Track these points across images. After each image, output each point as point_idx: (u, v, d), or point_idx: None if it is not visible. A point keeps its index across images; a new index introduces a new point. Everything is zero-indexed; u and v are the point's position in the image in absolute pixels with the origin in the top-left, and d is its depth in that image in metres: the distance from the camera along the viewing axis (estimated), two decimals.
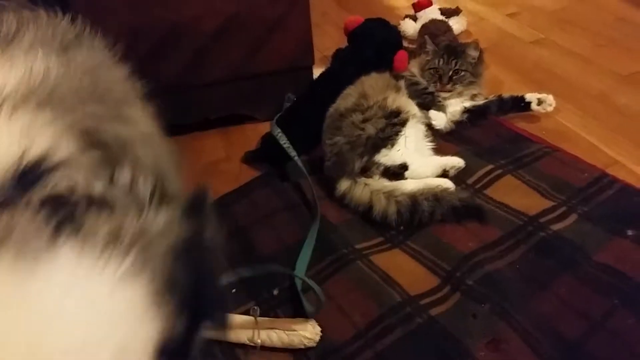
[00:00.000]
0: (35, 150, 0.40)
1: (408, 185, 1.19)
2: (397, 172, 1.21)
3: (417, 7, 1.89)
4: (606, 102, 1.49)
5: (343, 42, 1.67)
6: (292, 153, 1.29)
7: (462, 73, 1.41)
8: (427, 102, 1.37)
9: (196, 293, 0.40)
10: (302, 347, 0.94)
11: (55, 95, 0.48)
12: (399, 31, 1.75)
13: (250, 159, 1.42)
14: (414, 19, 1.90)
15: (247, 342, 0.95)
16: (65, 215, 0.37)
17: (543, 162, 1.26)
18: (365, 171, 1.22)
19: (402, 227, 1.14)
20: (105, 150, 0.47)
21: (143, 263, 0.37)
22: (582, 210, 1.12)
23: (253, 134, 1.52)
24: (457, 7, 1.94)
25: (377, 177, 1.22)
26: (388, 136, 1.21)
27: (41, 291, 0.34)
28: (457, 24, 1.85)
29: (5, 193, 0.37)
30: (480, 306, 0.95)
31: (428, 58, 1.47)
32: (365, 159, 1.21)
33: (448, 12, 1.90)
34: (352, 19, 1.65)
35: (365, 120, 1.25)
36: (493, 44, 1.84)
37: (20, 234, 0.35)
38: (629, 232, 1.05)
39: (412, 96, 1.37)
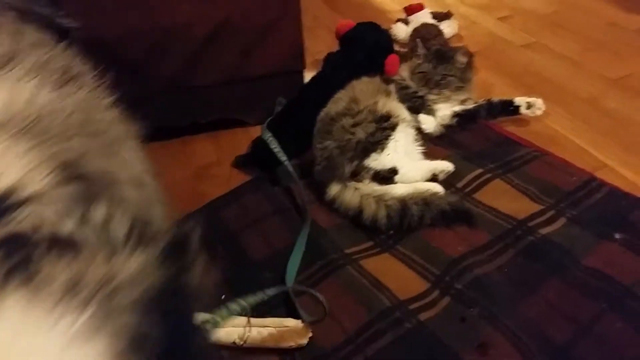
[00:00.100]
0: (3, 182, 0.37)
1: (398, 189, 1.19)
2: (387, 176, 1.21)
3: (409, 11, 1.89)
4: (595, 105, 1.50)
5: (335, 46, 1.67)
6: (283, 157, 1.28)
7: (450, 78, 1.42)
8: (417, 106, 1.37)
9: (170, 353, 0.35)
10: (293, 344, 0.94)
11: (38, 125, 0.45)
12: (391, 35, 1.75)
13: (240, 163, 1.42)
14: (406, 22, 1.90)
15: (238, 340, 0.94)
16: (21, 258, 0.33)
17: (532, 165, 1.26)
18: (355, 175, 1.22)
19: (391, 232, 1.14)
20: (86, 185, 0.44)
21: (105, 317, 0.33)
22: (570, 214, 1.12)
23: (244, 138, 1.52)
24: (449, 11, 1.95)
25: (367, 181, 1.22)
26: (378, 140, 1.22)
27: None
28: (448, 28, 1.85)
29: None
30: (469, 310, 0.95)
31: (419, 62, 1.48)
32: (355, 163, 1.21)
33: (439, 16, 1.90)
34: (344, 23, 1.65)
35: (355, 125, 1.25)
36: (484, 48, 1.85)
37: None
38: (617, 236, 1.05)
39: (402, 100, 1.37)
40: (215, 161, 1.47)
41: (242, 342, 0.94)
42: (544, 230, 1.08)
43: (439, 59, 1.44)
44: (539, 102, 1.41)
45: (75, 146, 0.47)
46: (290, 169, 1.26)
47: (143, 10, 1.31)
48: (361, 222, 1.16)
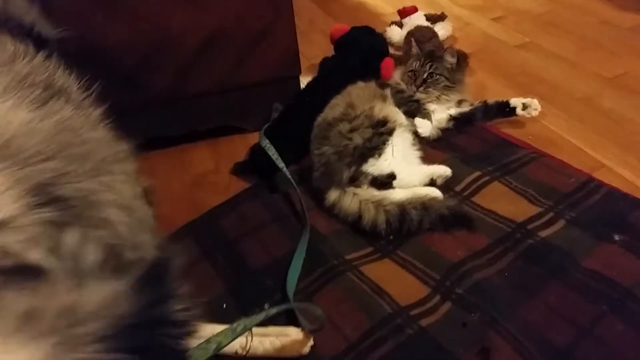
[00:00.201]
0: None
1: (397, 194, 1.19)
2: (385, 181, 1.21)
3: (403, 14, 1.90)
4: (591, 105, 1.51)
5: (330, 50, 1.67)
6: (281, 164, 1.28)
7: (437, 77, 1.42)
8: (413, 109, 1.38)
9: None
10: (295, 353, 0.94)
11: (10, 147, 0.43)
12: (385, 38, 1.75)
13: (239, 170, 1.42)
14: (400, 25, 1.91)
15: (240, 350, 0.94)
16: None
17: (530, 167, 1.26)
18: (354, 181, 1.22)
19: (391, 237, 1.14)
20: (61, 209, 0.42)
21: (66, 348, 0.31)
22: (569, 215, 1.12)
23: (242, 145, 1.52)
24: (443, 13, 1.95)
25: (365, 186, 1.22)
26: (375, 146, 1.22)
27: None
28: (442, 30, 1.86)
29: None
30: (470, 315, 0.96)
31: (411, 61, 1.49)
32: (353, 168, 1.21)
33: (433, 18, 1.91)
34: (338, 27, 1.66)
35: (352, 130, 1.25)
36: (479, 49, 1.85)
37: None
38: (617, 237, 1.05)
39: (398, 104, 1.37)
40: (214, 169, 1.47)
41: (244, 353, 0.94)
42: (543, 233, 1.09)
43: (427, 58, 1.45)
44: (534, 103, 1.42)
45: (52, 167, 0.45)
46: (289, 175, 1.26)
47: (136, 19, 1.31)
48: (361, 227, 1.16)
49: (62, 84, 0.59)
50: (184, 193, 1.39)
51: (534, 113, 1.42)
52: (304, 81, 1.57)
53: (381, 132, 1.24)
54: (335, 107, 1.34)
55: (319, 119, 1.35)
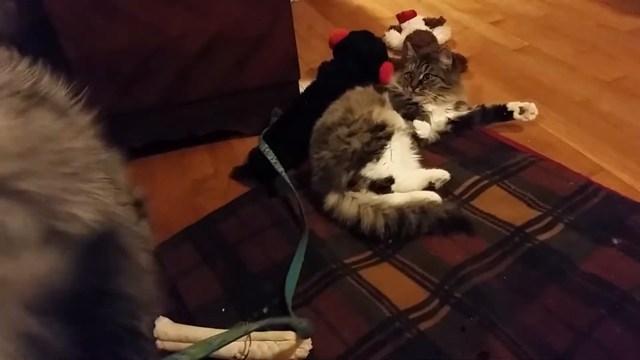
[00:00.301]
0: None
1: (395, 198, 1.19)
2: (384, 185, 1.21)
3: (402, 18, 1.90)
4: (590, 108, 1.51)
5: (329, 55, 1.68)
6: (280, 169, 1.29)
7: (432, 78, 1.43)
8: (412, 112, 1.38)
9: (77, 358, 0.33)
10: (294, 357, 0.94)
11: None
12: (384, 43, 1.76)
13: (238, 174, 1.43)
14: (399, 30, 1.91)
15: (239, 354, 0.94)
16: None
17: (528, 171, 1.26)
18: (353, 185, 1.22)
19: (390, 240, 1.14)
20: (22, 199, 0.41)
21: None
22: (568, 219, 1.12)
23: (240, 149, 1.52)
24: (441, 17, 1.96)
25: (364, 190, 1.22)
26: (373, 150, 1.22)
27: None
28: (441, 34, 1.86)
29: None
30: (469, 319, 0.95)
31: (407, 64, 1.50)
32: (351, 173, 1.22)
33: (432, 22, 1.91)
34: (337, 32, 1.66)
35: (351, 134, 1.25)
36: (477, 53, 1.86)
37: None
38: (615, 241, 1.05)
39: (396, 107, 1.37)
40: (213, 173, 1.47)
41: (242, 357, 0.94)
42: (542, 237, 1.09)
43: (424, 60, 1.46)
44: (532, 107, 1.42)
45: (17, 166, 0.44)
46: (288, 180, 1.26)
47: (135, 24, 1.31)
48: (359, 231, 1.16)
49: (47, 91, 0.58)
50: (183, 197, 1.39)
51: (531, 117, 1.42)
52: (303, 85, 1.58)
53: (379, 136, 1.24)
54: (334, 112, 1.34)
55: (318, 123, 1.35)
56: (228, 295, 1.08)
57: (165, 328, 0.97)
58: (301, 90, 1.57)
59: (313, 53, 1.89)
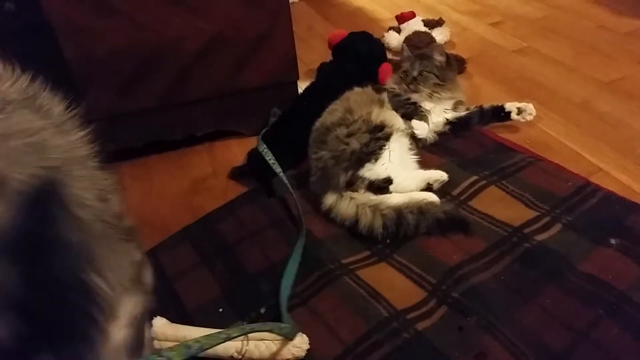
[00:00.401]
0: None
1: (393, 198, 1.19)
2: (382, 186, 1.21)
3: (401, 19, 1.91)
4: (589, 109, 1.51)
5: (328, 55, 1.68)
6: (277, 169, 1.29)
7: (427, 74, 1.44)
8: (410, 112, 1.38)
9: (28, 303, 0.35)
10: (291, 357, 0.94)
11: None
12: (383, 44, 1.76)
13: (237, 174, 1.43)
14: (398, 31, 1.92)
15: (236, 354, 0.94)
16: None
17: (527, 172, 1.27)
18: (351, 185, 1.22)
19: (388, 241, 1.14)
20: None
21: None
22: (566, 219, 1.12)
23: (239, 149, 1.52)
24: (440, 18, 1.96)
25: (362, 191, 1.22)
26: (372, 151, 1.22)
27: None
28: (440, 35, 1.87)
29: None
30: (466, 319, 0.95)
31: (403, 63, 1.51)
32: (350, 173, 1.22)
33: (431, 24, 1.92)
34: (336, 33, 1.66)
35: (349, 135, 1.25)
36: (477, 54, 1.86)
37: None
38: (613, 241, 1.05)
39: (395, 107, 1.38)
40: (211, 173, 1.47)
41: (240, 357, 0.94)
42: (540, 237, 1.09)
43: (417, 58, 1.48)
44: (529, 107, 1.42)
45: None
46: (285, 180, 1.26)
47: (134, 25, 1.32)
48: (357, 231, 1.16)
49: (44, 105, 0.57)
50: (182, 197, 1.39)
51: (529, 117, 1.42)
52: (302, 86, 1.58)
53: (378, 137, 1.24)
54: (333, 112, 1.34)
55: (317, 123, 1.35)
56: (226, 296, 1.08)
57: (163, 329, 0.97)
58: (300, 90, 1.57)
59: (312, 54, 1.89)
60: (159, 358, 0.61)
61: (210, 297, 1.08)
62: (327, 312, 1.01)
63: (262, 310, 1.04)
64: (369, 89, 1.41)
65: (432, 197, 1.19)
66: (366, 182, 1.22)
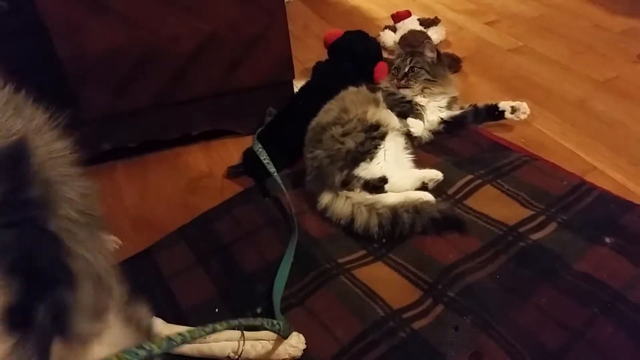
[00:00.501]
0: None
1: (389, 197, 1.20)
2: (377, 185, 1.21)
3: (396, 18, 1.91)
4: (584, 108, 1.51)
5: (324, 54, 1.68)
6: (271, 169, 1.29)
7: (417, 70, 1.45)
8: (405, 110, 1.38)
9: (22, 260, 0.37)
10: (287, 356, 0.94)
11: None
12: (379, 43, 1.76)
13: (232, 174, 1.42)
14: (394, 30, 1.92)
15: (232, 354, 0.94)
16: None
17: (522, 171, 1.27)
18: (346, 184, 1.22)
19: (383, 240, 1.14)
20: None
21: None
22: (561, 218, 1.13)
23: (235, 148, 1.52)
24: (436, 17, 1.96)
25: (358, 190, 1.22)
26: (367, 150, 1.22)
27: None
28: (436, 34, 1.87)
29: None
30: (462, 318, 0.96)
31: (395, 61, 1.53)
32: (345, 172, 1.22)
33: (427, 23, 1.92)
34: (332, 32, 1.66)
35: (345, 134, 1.25)
36: (472, 53, 1.86)
37: None
38: (608, 240, 1.06)
39: (390, 106, 1.38)
40: (207, 172, 1.47)
41: (236, 357, 0.94)
42: (535, 236, 1.09)
43: (408, 54, 1.49)
44: (523, 106, 1.43)
45: None
46: (279, 180, 1.26)
47: (129, 25, 1.31)
48: (353, 231, 1.16)
49: (29, 116, 0.58)
50: (178, 196, 1.39)
51: (523, 116, 1.43)
52: (297, 85, 1.57)
53: (374, 136, 1.24)
54: (329, 112, 1.34)
55: (313, 122, 1.35)
56: (222, 296, 1.08)
57: (158, 329, 0.97)
58: (296, 90, 1.57)
59: (308, 53, 1.89)
60: (140, 350, 0.61)
61: (206, 297, 1.08)
62: (323, 312, 1.01)
63: (258, 310, 1.04)
64: (364, 89, 1.42)
65: (427, 196, 1.20)
66: (362, 181, 1.22)
